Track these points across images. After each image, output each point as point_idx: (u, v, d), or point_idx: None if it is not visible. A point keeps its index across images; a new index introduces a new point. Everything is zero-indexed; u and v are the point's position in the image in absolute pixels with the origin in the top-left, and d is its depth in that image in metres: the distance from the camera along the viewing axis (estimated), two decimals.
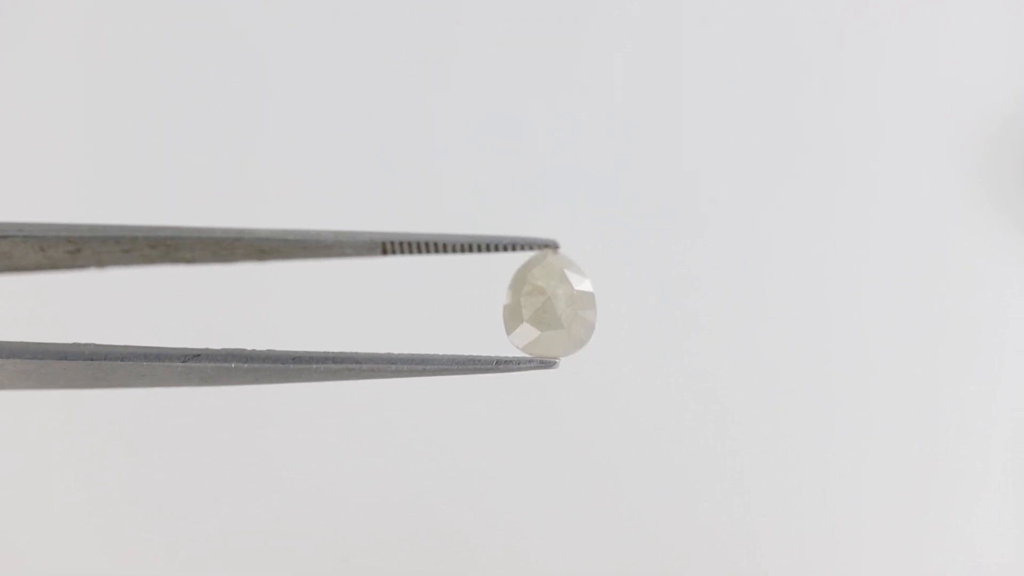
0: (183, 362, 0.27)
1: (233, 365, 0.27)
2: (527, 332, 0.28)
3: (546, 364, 0.28)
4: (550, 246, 0.29)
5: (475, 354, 0.28)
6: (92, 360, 0.27)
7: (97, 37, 0.58)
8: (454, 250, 0.29)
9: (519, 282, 0.29)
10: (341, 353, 0.28)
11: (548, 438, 0.58)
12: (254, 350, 0.28)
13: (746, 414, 0.58)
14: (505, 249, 0.29)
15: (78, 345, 0.27)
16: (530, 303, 0.28)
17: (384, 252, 0.29)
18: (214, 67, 0.58)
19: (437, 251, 0.29)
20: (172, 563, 0.57)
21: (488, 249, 0.29)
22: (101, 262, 0.30)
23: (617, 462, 0.58)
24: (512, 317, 0.28)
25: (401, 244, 0.29)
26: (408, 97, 0.58)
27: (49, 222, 0.29)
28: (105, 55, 0.58)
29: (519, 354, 0.28)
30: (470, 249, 0.29)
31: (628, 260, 0.58)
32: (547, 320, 0.28)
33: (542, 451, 0.58)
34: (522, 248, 0.29)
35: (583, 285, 0.29)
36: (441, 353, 0.28)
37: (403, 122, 0.58)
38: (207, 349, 0.27)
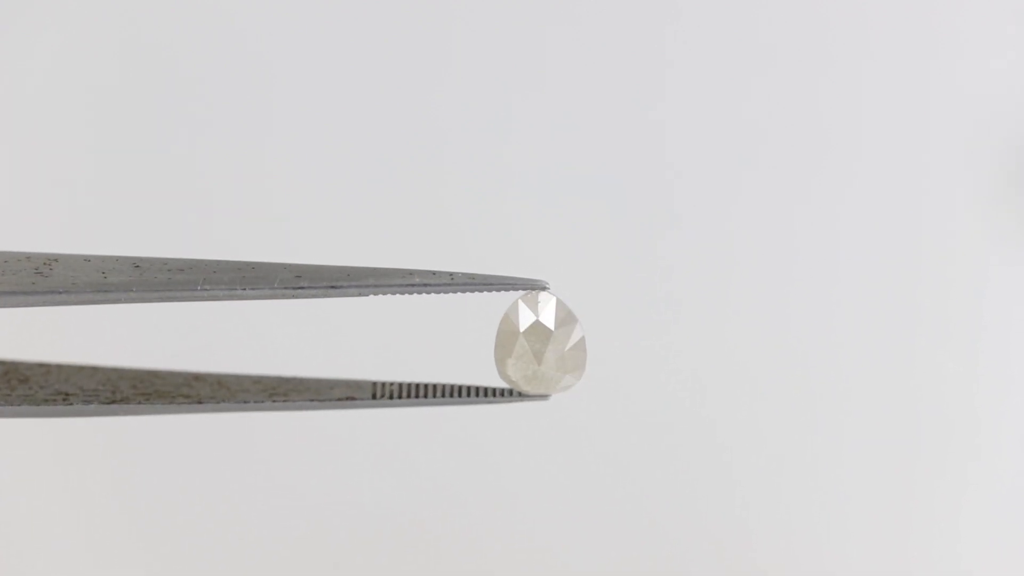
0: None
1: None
2: (519, 388, 0.29)
3: (539, 398, 0.30)
4: (538, 287, 0.28)
5: (470, 384, 0.30)
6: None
7: (95, 39, 0.56)
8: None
9: (509, 337, 0.29)
10: (342, 380, 0.30)
11: (537, 436, 0.58)
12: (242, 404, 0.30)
13: (732, 410, 0.58)
14: (494, 289, 0.28)
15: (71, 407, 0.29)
16: (520, 366, 0.29)
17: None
18: (215, 77, 0.57)
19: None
20: (165, 566, 0.57)
21: (476, 289, 0.28)
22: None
23: (606, 461, 0.58)
24: (502, 367, 0.29)
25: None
26: (398, 121, 0.57)
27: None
28: (102, 57, 0.57)
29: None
30: (456, 289, 0.28)
31: (611, 257, 0.57)
32: (539, 383, 0.29)
33: (532, 450, 0.58)
34: (511, 289, 0.28)
35: (574, 337, 0.29)
36: (437, 383, 0.30)
37: (392, 148, 0.57)
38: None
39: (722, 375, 0.59)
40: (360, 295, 0.29)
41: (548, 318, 0.29)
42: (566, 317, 0.29)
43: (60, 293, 0.28)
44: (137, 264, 0.29)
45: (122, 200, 0.57)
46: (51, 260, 0.29)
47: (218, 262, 0.29)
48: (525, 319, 0.29)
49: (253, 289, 0.28)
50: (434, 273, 0.29)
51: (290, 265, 0.29)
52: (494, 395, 0.30)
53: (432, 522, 0.58)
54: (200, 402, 0.30)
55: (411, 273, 0.29)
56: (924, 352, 0.59)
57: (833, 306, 0.59)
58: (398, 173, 0.58)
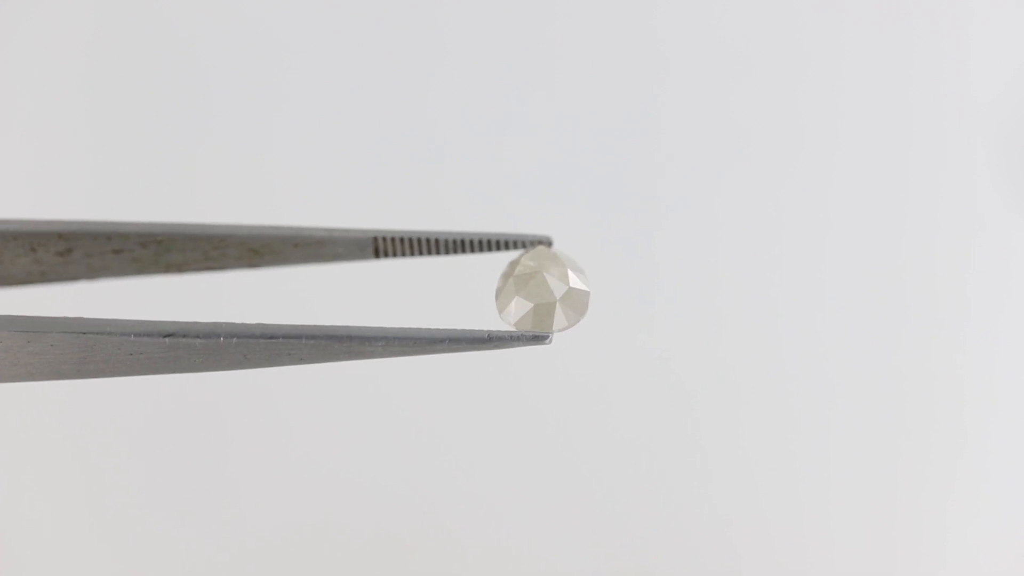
0: (169, 337, 0.26)
1: (221, 339, 0.27)
2: (520, 306, 0.27)
3: (539, 339, 0.27)
4: (543, 242, 0.29)
5: (467, 328, 0.28)
6: (78, 333, 0.26)
7: (91, 35, 0.59)
8: (447, 249, 0.29)
9: (511, 266, 0.28)
10: (331, 327, 0.27)
11: (525, 426, 0.58)
12: (242, 324, 0.27)
13: (719, 408, 0.59)
14: (499, 247, 0.29)
15: (66, 319, 0.26)
16: (522, 280, 0.28)
17: (376, 251, 0.29)
18: (208, 64, 0.59)
19: (430, 250, 0.29)
20: (167, 561, 0.57)
21: (482, 248, 0.29)
22: (92, 267, 0.29)
23: (591, 455, 0.58)
24: (504, 296, 0.28)
25: (394, 241, 0.29)
26: (400, 96, 0.59)
27: (39, 219, 0.29)
28: (99, 53, 0.59)
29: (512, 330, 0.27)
30: (463, 247, 0.29)
31: (611, 254, 0.58)
32: (539, 293, 0.27)
33: (521, 438, 0.58)
34: (516, 246, 0.29)
35: (574, 266, 0.28)
36: (433, 328, 0.27)
37: (394, 120, 0.59)
38: (194, 323, 0.26)
39: (706, 373, 0.58)
40: (366, 251, 0.28)
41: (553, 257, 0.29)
42: (568, 257, 0.29)
43: None
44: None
45: (113, 199, 0.57)
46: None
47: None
48: (529, 251, 0.29)
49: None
50: (447, 232, 0.28)
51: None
52: (495, 339, 0.27)
53: (417, 512, 0.58)
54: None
55: (423, 232, 0.28)
56: (910, 353, 0.58)
57: (820, 303, 0.58)
58: (394, 178, 0.58)
